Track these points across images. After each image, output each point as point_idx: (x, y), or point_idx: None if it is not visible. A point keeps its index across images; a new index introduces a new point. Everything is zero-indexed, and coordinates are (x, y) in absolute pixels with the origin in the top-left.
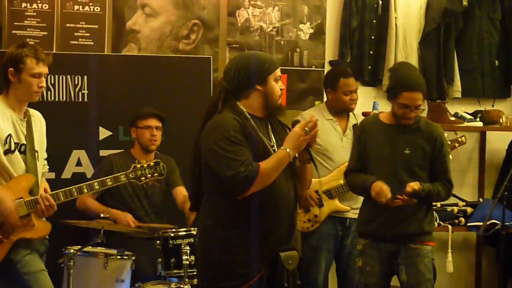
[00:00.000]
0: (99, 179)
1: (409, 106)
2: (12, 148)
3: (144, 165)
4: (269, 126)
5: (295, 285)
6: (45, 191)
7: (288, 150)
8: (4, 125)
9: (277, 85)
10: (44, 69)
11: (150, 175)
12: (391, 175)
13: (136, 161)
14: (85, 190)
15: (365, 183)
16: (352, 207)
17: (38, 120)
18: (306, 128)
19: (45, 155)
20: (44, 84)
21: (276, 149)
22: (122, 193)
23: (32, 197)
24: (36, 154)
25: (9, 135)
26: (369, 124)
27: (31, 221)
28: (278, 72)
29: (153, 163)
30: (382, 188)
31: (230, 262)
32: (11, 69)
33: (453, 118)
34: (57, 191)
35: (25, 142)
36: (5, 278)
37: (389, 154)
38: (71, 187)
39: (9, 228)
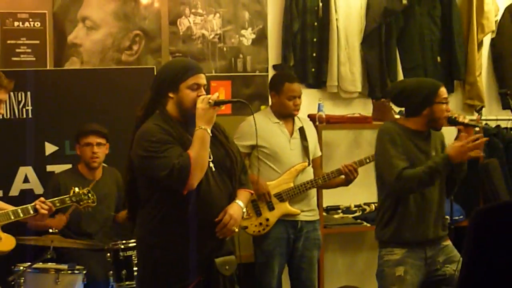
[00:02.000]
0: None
1: (447, 99)
2: None
3: (80, 192)
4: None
5: None
6: None
7: (203, 127)
8: None
9: (192, 93)
10: (4, 96)
11: (85, 201)
12: None
13: (72, 188)
14: (31, 212)
15: (437, 161)
16: (302, 210)
17: None
18: (210, 101)
19: None
20: (3, 111)
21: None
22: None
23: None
24: None
25: None
26: (398, 131)
27: None
28: (193, 79)
29: (86, 191)
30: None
31: (165, 269)
32: None
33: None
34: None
35: None
36: None
37: (424, 160)
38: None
39: None
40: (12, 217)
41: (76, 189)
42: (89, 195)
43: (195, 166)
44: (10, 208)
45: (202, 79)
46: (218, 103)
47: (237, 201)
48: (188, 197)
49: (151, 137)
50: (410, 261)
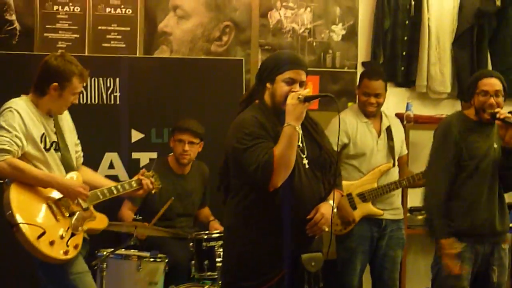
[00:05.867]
0: (119, 183)
1: (489, 91)
2: (48, 146)
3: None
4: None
5: (318, 287)
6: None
7: (291, 123)
8: (36, 126)
9: (285, 87)
10: (82, 88)
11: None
12: (490, 171)
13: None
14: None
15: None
16: (386, 209)
17: (64, 114)
18: (300, 96)
19: (79, 147)
20: (76, 101)
21: (302, 145)
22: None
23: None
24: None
25: (43, 133)
26: (456, 122)
27: (92, 213)
28: (290, 74)
29: (151, 174)
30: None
31: (251, 261)
32: (55, 84)
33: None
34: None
35: (56, 140)
36: (48, 276)
37: (486, 151)
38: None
39: (75, 196)
40: (108, 195)
41: (144, 171)
42: (154, 177)
43: (279, 164)
44: (110, 184)
45: (299, 74)
46: (307, 99)
47: (329, 201)
48: (277, 192)
49: (244, 128)
50: (467, 256)
